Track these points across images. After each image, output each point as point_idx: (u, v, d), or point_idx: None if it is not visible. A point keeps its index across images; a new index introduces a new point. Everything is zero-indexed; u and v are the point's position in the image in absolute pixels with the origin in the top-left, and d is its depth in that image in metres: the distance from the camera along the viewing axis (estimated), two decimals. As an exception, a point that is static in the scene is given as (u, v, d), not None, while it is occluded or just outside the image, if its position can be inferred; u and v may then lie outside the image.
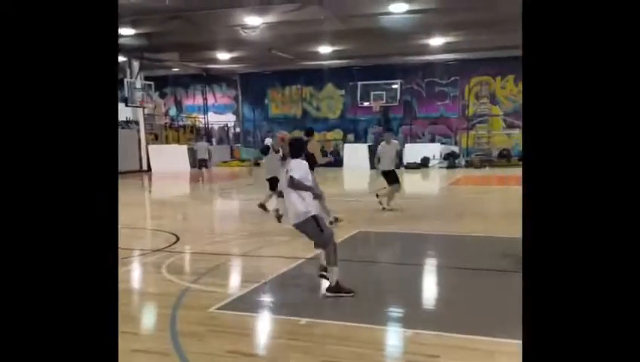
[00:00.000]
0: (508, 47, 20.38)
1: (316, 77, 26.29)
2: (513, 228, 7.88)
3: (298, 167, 4.84)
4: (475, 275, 5.58)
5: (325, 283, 4.92)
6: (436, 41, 18.92)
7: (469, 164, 21.92)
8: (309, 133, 8.75)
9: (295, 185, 4.72)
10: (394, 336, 4.04)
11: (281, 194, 6.72)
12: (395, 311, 4.56)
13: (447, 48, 20.50)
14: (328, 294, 4.77)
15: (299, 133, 27.65)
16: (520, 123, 23.27)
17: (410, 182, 16.54)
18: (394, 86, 23.22)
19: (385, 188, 10.04)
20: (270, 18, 14.30)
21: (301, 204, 4.77)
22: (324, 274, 4.93)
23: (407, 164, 21.38)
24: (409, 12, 13.98)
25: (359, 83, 23.54)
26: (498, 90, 24.30)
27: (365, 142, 24.39)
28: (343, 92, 26.11)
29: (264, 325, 4.38)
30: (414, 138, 24.94)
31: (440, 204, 11.97)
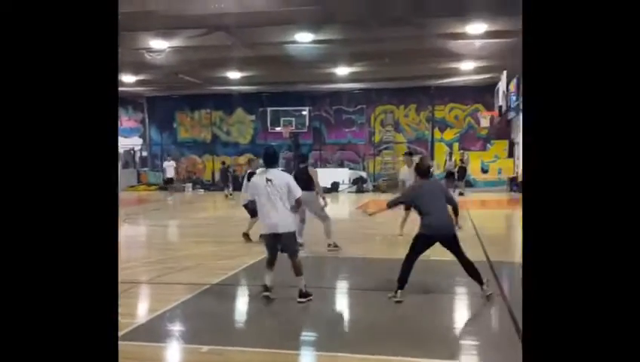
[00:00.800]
0: (409, 78, 21.74)
1: (226, 102, 26.19)
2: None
3: (296, 184, 5.47)
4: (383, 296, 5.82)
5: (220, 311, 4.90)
6: (342, 70, 19.68)
7: (377, 189, 22.79)
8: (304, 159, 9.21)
9: (298, 202, 5.47)
10: (296, 360, 4.12)
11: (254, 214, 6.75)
12: (305, 335, 4.65)
13: (352, 77, 21.37)
14: (300, 300, 5.32)
15: (210, 158, 26.94)
16: (422, 150, 24.69)
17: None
18: (303, 112, 23.74)
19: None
20: (176, 42, 14.14)
21: (291, 217, 5.43)
22: (301, 300, 5.36)
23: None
24: (315, 42, 14.47)
25: (269, 109, 23.81)
26: (402, 119, 25.62)
27: (277, 167, 24.51)
28: (253, 117, 26.19)
29: (165, 354, 4.27)
30: (324, 163, 25.51)
31: (350, 227, 12.31)
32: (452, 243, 5.37)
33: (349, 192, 22.43)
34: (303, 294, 5.36)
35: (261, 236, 5.63)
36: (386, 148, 25.77)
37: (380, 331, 4.56)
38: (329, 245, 8.26)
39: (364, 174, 24.65)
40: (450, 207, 5.53)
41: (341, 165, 25.62)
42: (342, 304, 5.79)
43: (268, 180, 5.28)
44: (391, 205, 5.73)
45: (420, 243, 5.40)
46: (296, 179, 7.73)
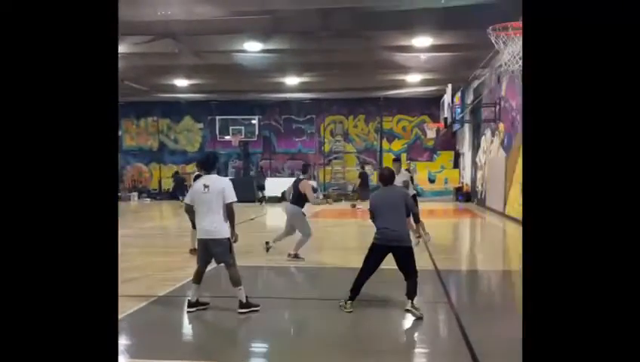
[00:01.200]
0: (358, 89, 22.08)
1: (173, 109, 25.65)
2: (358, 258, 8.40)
3: (232, 190, 5.22)
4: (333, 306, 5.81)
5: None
6: (292, 80, 19.73)
7: (327, 198, 22.90)
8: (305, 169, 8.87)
9: (229, 208, 5.21)
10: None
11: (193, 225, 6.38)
12: (245, 347, 4.56)
13: (302, 87, 21.46)
14: (241, 311, 5.21)
15: (157, 166, 26.15)
16: (371, 160, 25.06)
17: (272, 215, 16.74)
18: (252, 121, 23.60)
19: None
20: (122, 49, 13.74)
21: (225, 225, 5.21)
22: (243, 311, 5.22)
23: (269, 197, 21.66)
24: (264, 51, 14.44)
25: (218, 117, 23.51)
26: (351, 129, 25.94)
27: (226, 175, 24.21)
28: (201, 125, 25.78)
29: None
30: (274, 172, 25.40)
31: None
32: (403, 256, 5.26)
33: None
34: (244, 305, 5.24)
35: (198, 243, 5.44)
36: (335, 158, 25.98)
37: (328, 341, 4.54)
38: (289, 254, 8.19)
39: (314, 184, 24.73)
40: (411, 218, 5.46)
41: (291, 175, 25.61)
42: (289, 314, 5.74)
43: (205, 186, 5.17)
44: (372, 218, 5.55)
45: (374, 254, 5.33)
46: (294, 190, 7.82)
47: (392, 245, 5.26)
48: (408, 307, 5.20)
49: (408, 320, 5.12)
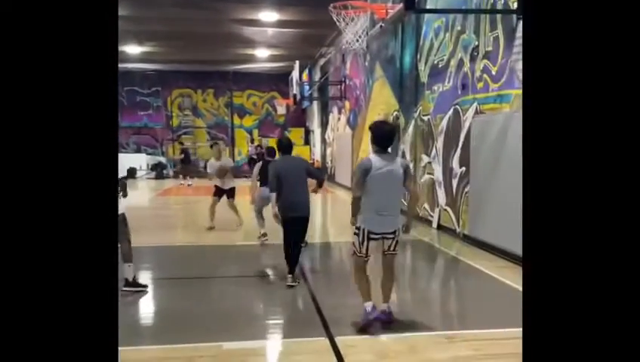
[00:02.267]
0: (207, 62, 21.35)
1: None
2: (225, 237, 8.28)
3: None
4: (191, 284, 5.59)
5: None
6: (132, 49, 18.35)
7: (177, 175, 21.99)
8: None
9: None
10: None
11: None
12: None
13: (145, 57, 20.11)
14: (125, 289, 5.06)
15: None
16: (222, 135, 24.58)
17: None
18: (90, 94, 21.52)
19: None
20: None
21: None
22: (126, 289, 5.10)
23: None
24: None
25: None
26: (200, 103, 25.11)
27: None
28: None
29: None
30: (119, 148, 23.62)
31: (150, 215, 11.61)
32: (304, 227, 5.40)
33: (147, 178, 21.19)
34: (130, 283, 5.17)
35: None
36: (185, 133, 25.01)
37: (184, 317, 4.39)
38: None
39: (163, 160, 23.57)
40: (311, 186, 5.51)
41: (138, 150, 24.05)
42: (164, 293, 5.41)
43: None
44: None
45: (287, 227, 5.34)
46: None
47: (300, 215, 5.29)
48: (287, 282, 5.33)
49: (265, 292, 5.15)
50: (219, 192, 9.07)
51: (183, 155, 20.21)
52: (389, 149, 4.12)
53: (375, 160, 4.00)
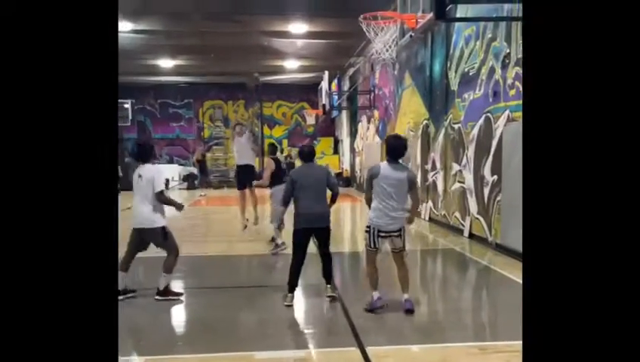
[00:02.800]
0: (237, 74, 21.68)
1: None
2: (254, 246, 8.35)
3: (161, 179, 5.23)
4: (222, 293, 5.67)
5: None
6: (165, 62, 18.81)
7: (208, 185, 22.33)
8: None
9: (158, 197, 5.14)
10: None
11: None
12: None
13: (177, 71, 20.58)
14: (157, 298, 5.18)
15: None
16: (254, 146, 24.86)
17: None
18: (125, 105, 22.10)
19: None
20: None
21: (157, 214, 5.16)
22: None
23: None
24: (134, 31, 13.56)
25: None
26: (231, 114, 25.49)
27: (150, 161, 22.54)
28: (65, 111, 23.64)
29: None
30: (153, 159, 24.17)
31: (186, 225, 11.81)
32: (326, 237, 5.15)
33: (179, 189, 21.60)
34: (161, 292, 5.23)
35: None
36: (216, 145, 25.40)
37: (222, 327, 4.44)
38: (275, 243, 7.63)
39: (194, 170, 23.98)
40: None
41: (170, 161, 24.56)
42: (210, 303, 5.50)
43: (139, 176, 5.19)
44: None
45: (301, 241, 5.07)
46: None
47: (318, 226, 5.08)
48: (326, 293, 5.24)
49: (295, 301, 5.18)
50: (240, 184, 9.04)
51: (199, 166, 20.59)
52: (401, 160, 4.75)
53: (384, 168, 4.65)
